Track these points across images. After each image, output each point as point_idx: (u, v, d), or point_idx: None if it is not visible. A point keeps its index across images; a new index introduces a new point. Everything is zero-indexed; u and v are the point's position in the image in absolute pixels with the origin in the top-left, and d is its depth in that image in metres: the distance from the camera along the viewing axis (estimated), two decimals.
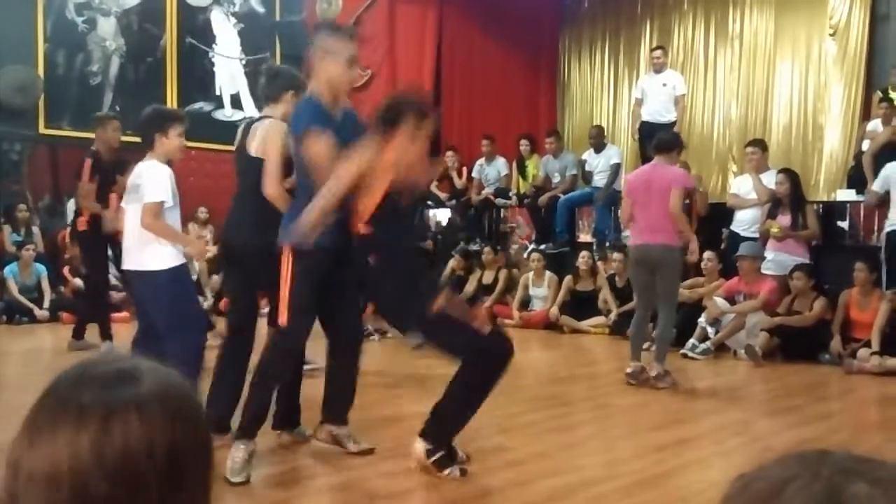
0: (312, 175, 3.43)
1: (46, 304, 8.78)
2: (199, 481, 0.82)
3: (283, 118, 3.93)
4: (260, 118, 4.05)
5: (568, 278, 8.70)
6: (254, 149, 3.86)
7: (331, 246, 3.44)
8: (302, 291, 3.48)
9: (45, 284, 8.87)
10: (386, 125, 3.40)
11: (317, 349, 4.35)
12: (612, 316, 8.26)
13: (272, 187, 3.78)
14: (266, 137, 3.84)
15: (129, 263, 4.14)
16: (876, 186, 7.22)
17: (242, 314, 4.03)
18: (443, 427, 3.49)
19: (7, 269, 8.81)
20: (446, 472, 3.43)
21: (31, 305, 8.68)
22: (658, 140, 5.94)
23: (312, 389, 4.01)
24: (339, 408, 3.83)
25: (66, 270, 9.05)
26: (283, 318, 3.49)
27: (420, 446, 3.44)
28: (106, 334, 6.71)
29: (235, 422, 3.66)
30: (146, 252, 3.99)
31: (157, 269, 3.97)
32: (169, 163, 4.14)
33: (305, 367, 5.63)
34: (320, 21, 3.62)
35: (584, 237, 9.72)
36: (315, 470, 3.72)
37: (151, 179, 3.96)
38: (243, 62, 11.49)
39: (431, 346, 3.64)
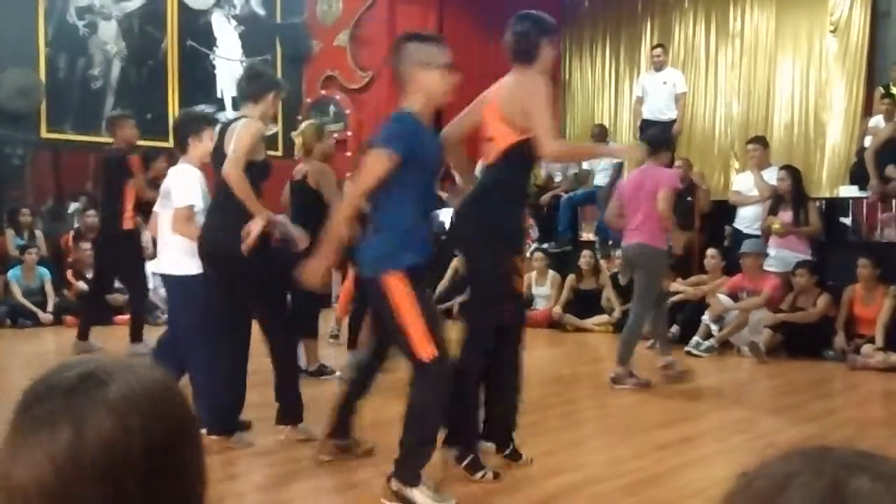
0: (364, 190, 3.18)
1: (50, 307, 8.78)
2: (185, 474, 0.82)
3: (262, 118, 3.94)
4: (237, 118, 3.98)
5: (571, 277, 8.69)
6: (231, 149, 3.79)
7: (425, 261, 3.21)
8: (431, 314, 3.15)
9: (49, 288, 8.88)
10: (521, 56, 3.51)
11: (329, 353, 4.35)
12: (616, 314, 8.25)
13: (231, 166, 3.69)
14: (240, 133, 3.78)
15: (162, 267, 4.22)
16: None
17: (225, 315, 3.92)
18: (465, 432, 3.54)
19: (10, 273, 8.81)
20: (479, 475, 3.47)
21: (34, 309, 8.68)
22: (645, 137, 6.07)
23: (312, 389, 4.00)
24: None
25: (69, 274, 9.05)
26: (426, 352, 3.05)
27: (448, 454, 3.50)
28: (84, 335, 6.88)
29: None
30: (178, 256, 4.03)
31: (188, 273, 4.00)
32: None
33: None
34: (401, 35, 3.44)
35: (587, 236, 9.71)
36: (317, 470, 3.72)
37: (181, 183, 4.01)
38: (244, 64, 11.49)
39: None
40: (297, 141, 5.74)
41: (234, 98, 11.40)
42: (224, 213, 3.82)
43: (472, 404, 3.59)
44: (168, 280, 4.20)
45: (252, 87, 4.03)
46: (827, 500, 0.54)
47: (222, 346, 3.93)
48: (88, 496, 0.76)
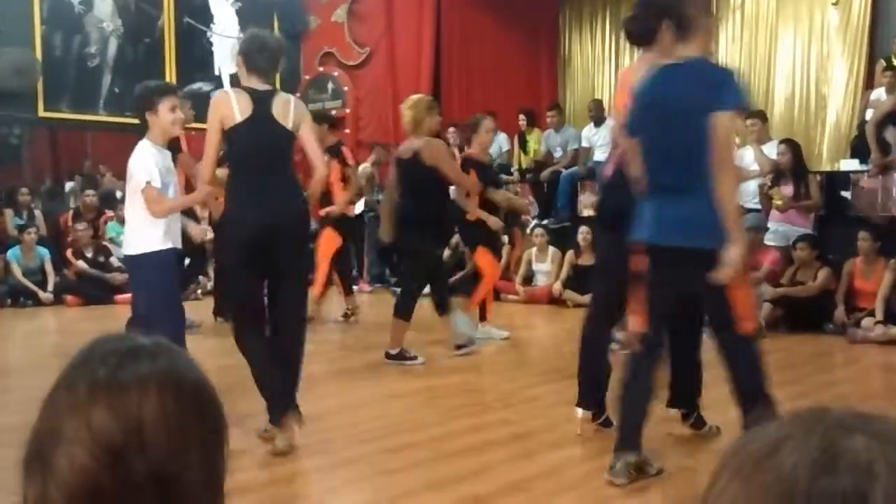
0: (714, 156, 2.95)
1: (50, 286, 8.80)
2: (223, 458, 0.84)
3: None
4: (275, 90, 3.75)
5: (570, 253, 8.68)
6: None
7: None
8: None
9: (49, 267, 8.88)
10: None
11: None
12: None
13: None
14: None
15: (125, 248, 4.04)
16: None
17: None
18: (599, 392, 3.79)
19: (10, 253, 8.82)
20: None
21: (35, 288, 8.70)
22: None
23: (313, 368, 3.99)
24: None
25: (69, 253, 9.05)
26: (751, 325, 3.13)
27: (581, 413, 3.80)
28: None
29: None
30: (134, 236, 3.85)
31: (139, 252, 3.80)
32: (177, 142, 4.01)
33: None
34: None
35: (587, 212, 9.69)
36: (316, 449, 3.73)
37: (137, 163, 3.78)
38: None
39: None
40: (407, 115, 5.49)
41: (231, 75, 11.35)
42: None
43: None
44: (126, 261, 3.98)
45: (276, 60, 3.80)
46: (819, 459, 0.53)
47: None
48: (138, 469, 0.76)
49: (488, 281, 6.40)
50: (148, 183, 3.73)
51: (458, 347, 5.72)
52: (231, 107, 3.61)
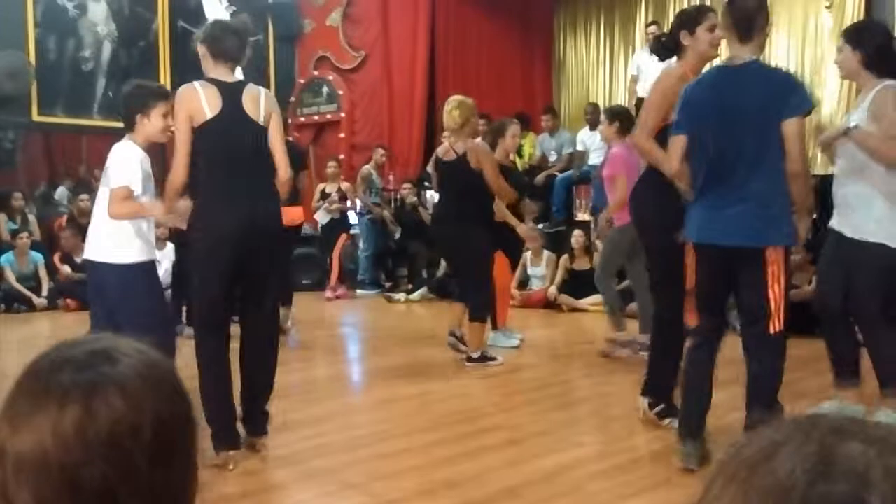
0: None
1: (45, 292, 8.76)
2: (186, 458, 0.82)
3: None
4: (245, 82, 3.57)
5: (564, 257, 8.68)
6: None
7: None
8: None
9: (43, 272, 8.85)
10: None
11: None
12: None
13: None
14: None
15: (90, 252, 3.65)
16: None
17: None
18: (658, 382, 3.93)
19: (3, 258, 8.79)
20: (666, 422, 3.85)
21: (28, 294, 8.66)
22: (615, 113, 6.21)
23: (289, 377, 3.96)
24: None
25: (56, 258, 8.95)
26: (780, 324, 3.26)
27: (643, 401, 3.96)
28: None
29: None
30: (112, 242, 3.57)
31: (124, 262, 3.55)
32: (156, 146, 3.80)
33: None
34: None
35: (582, 215, 9.69)
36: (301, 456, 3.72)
37: (118, 163, 3.56)
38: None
39: None
40: (455, 114, 5.39)
41: None
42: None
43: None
44: (101, 268, 3.60)
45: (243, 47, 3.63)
46: (816, 465, 0.53)
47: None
48: (89, 474, 0.75)
49: (501, 286, 6.34)
50: (127, 187, 3.50)
51: (470, 360, 5.55)
52: (199, 101, 3.37)
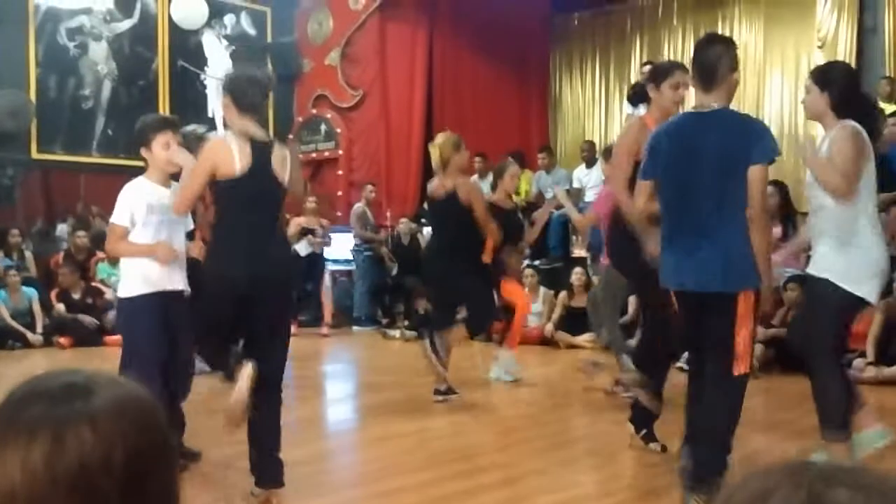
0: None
1: (39, 328, 8.71)
2: (161, 489, 0.81)
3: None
4: (272, 141, 3.57)
5: (563, 294, 8.68)
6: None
7: None
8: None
9: (37, 308, 8.79)
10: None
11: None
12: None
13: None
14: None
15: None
16: None
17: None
18: (645, 412, 4.15)
19: None
20: (651, 445, 4.13)
21: (23, 330, 8.61)
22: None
23: (285, 415, 3.85)
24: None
25: (52, 295, 8.89)
26: (745, 366, 3.22)
27: (630, 427, 4.21)
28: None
29: None
30: (122, 276, 3.76)
31: (124, 296, 3.71)
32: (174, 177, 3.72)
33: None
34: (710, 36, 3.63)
35: (579, 252, 9.72)
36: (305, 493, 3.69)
37: (118, 200, 3.68)
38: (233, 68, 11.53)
39: None
40: (434, 154, 5.47)
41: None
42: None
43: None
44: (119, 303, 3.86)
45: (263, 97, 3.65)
46: None
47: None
48: None
49: (521, 308, 6.41)
50: (121, 226, 3.65)
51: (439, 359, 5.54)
52: (231, 157, 3.35)
